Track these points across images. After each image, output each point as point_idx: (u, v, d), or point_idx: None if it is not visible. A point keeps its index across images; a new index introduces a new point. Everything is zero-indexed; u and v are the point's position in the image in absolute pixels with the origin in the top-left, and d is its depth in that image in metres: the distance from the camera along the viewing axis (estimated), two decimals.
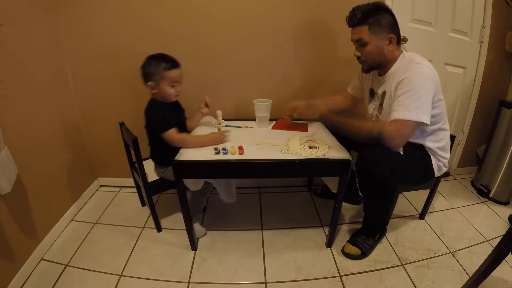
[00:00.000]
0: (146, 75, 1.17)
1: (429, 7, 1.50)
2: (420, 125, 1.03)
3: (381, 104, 1.20)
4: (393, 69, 1.13)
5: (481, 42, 1.64)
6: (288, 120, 1.41)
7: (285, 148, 1.17)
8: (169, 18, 1.42)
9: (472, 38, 1.63)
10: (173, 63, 1.16)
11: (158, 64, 1.14)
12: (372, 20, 1.05)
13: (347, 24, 1.13)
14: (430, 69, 1.03)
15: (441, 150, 1.19)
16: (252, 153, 1.14)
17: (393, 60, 1.13)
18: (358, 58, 1.16)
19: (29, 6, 1.24)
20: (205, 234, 1.42)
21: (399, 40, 1.12)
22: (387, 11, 1.07)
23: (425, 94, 1.00)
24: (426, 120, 1.01)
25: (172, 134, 1.17)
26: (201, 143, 1.20)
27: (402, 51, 1.15)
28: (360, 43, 1.11)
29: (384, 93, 1.18)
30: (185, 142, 1.19)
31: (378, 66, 1.16)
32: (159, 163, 1.34)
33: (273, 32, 1.47)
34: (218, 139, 1.21)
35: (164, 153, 1.23)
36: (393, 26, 1.09)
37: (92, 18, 1.42)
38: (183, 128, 1.31)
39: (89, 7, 1.40)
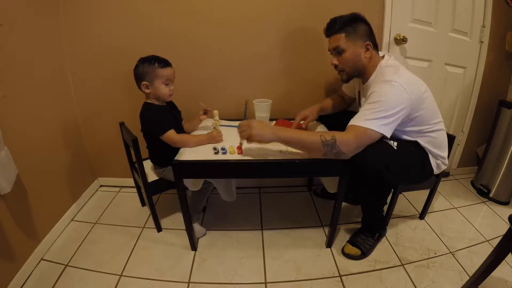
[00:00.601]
0: (140, 76, 1.17)
1: (429, 7, 1.50)
2: (376, 135, 1.00)
3: None
4: (371, 79, 1.14)
5: (481, 42, 1.64)
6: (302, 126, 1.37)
7: (284, 148, 1.17)
8: (169, 18, 1.42)
9: (472, 38, 1.63)
10: (166, 62, 1.18)
11: (152, 63, 1.15)
12: (349, 28, 1.08)
13: (325, 35, 1.16)
14: (402, 86, 0.99)
15: (436, 149, 1.17)
16: (252, 153, 1.14)
17: (372, 67, 1.13)
18: (336, 67, 1.16)
19: (29, 6, 1.24)
20: (205, 234, 1.42)
21: (376, 47, 1.14)
22: (363, 21, 1.10)
23: (386, 110, 0.97)
24: (377, 129, 0.98)
25: (172, 135, 1.18)
26: (200, 142, 1.22)
27: (384, 57, 1.14)
28: (337, 51, 1.12)
29: (364, 101, 1.17)
30: (185, 142, 1.20)
31: (357, 74, 1.17)
32: (158, 165, 1.34)
33: (274, 32, 1.47)
34: (215, 137, 1.22)
35: (162, 155, 1.24)
36: (370, 34, 1.11)
37: (92, 18, 1.42)
38: (180, 129, 1.31)
39: (89, 7, 1.40)
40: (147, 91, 1.19)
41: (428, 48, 1.59)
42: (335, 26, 1.10)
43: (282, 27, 1.46)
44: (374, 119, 0.98)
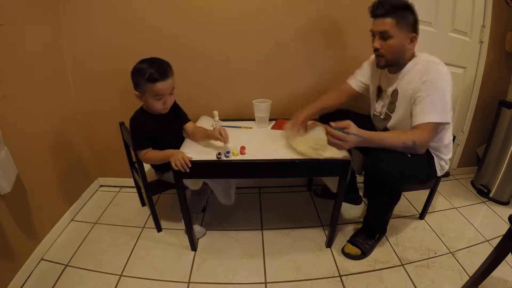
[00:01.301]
0: (133, 83, 1.07)
1: (429, 7, 1.50)
2: (444, 125, 1.07)
3: (392, 103, 1.19)
4: (407, 68, 1.12)
5: (481, 42, 1.64)
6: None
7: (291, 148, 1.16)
8: (169, 18, 1.42)
9: (472, 38, 1.63)
10: (160, 75, 1.01)
11: (143, 74, 1.01)
12: (399, 14, 1.04)
13: (371, 13, 1.08)
14: (448, 70, 1.07)
15: (445, 148, 1.19)
16: (252, 153, 1.14)
17: (408, 58, 1.12)
18: (376, 50, 1.11)
19: (29, 6, 1.24)
20: (205, 234, 1.42)
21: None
22: (413, 11, 1.07)
23: (447, 95, 1.04)
24: (450, 119, 1.06)
25: (141, 155, 1.16)
26: (162, 161, 1.13)
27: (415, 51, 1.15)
28: (383, 35, 1.07)
29: (395, 91, 1.16)
30: (148, 160, 1.19)
31: (394, 63, 1.14)
32: (157, 169, 1.32)
33: (273, 32, 1.47)
34: (176, 158, 1.04)
35: (163, 165, 1.17)
36: (416, 26, 1.09)
37: (92, 18, 1.42)
38: (177, 137, 1.27)
39: (89, 7, 1.40)
40: (140, 100, 1.11)
41: (428, 48, 1.57)
42: (385, 7, 1.03)
43: (282, 28, 1.46)
44: (441, 111, 1.02)
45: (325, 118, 1.44)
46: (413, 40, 1.09)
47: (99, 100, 1.59)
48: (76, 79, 1.54)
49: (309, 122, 1.32)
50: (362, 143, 1.02)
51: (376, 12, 1.06)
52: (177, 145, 1.20)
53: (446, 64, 1.62)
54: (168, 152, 1.09)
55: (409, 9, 1.06)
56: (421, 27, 1.51)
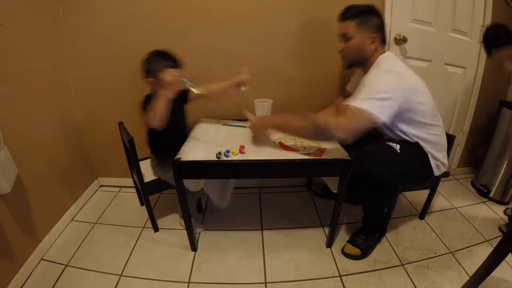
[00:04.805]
0: (147, 70, 1.15)
1: (429, 7, 1.50)
2: (369, 115, 0.97)
3: None
4: (371, 70, 1.14)
5: (481, 42, 1.64)
6: None
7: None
8: (170, 17, 1.42)
9: (472, 38, 1.63)
10: (174, 62, 1.14)
11: (159, 61, 1.12)
12: (361, 17, 1.09)
13: (338, 19, 1.15)
14: (392, 74, 1.02)
15: (434, 150, 1.17)
16: (253, 153, 1.14)
17: (373, 60, 1.13)
18: (340, 52, 1.17)
19: (29, 6, 1.24)
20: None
21: (384, 42, 1.14)
22: (377, 15, 1.11)
23: (378, 94, 0.98)
24: (377, 113, 0.96)
25: (150, 114, 1.08)
26: (163, 98, 1.07)
27: (384, 52, 1.13)
28: (345, 37, 1.13)
29: None
30: (157, 111, 1.07)
31: (357, 63, 1.18)
32: (158, 159, 1.32)
33: (274, 32, 1.47)
34: (170, 81, 1.07)
35: (163, 147, 1.21)
36: (379, 28, 1.11)
37: (92, 18, 1.42)
38: (179, 115, 1.28)
39: (89, 6, 1.39)
40: (153, 86, 1.17)
41: (428, 48, 1.58)
42: (349, 12, 1.11)
43: (284, 28, 1.46)
44: (365, 99, 0.99)
45: None
46: (374, 40, 1.10)
47: (99, 100, 1.59)
48: (76, 79, 1.54)
49: None
50: (273, 126, 1.16)
51: (342, 16, 1.14)
52: (183, 123, 1.33)
53: (446, 64, 1.65)
54: (161, 91, 1.07)
55: (373, 12, 1.10)
56: (421, 27, 1.53)
